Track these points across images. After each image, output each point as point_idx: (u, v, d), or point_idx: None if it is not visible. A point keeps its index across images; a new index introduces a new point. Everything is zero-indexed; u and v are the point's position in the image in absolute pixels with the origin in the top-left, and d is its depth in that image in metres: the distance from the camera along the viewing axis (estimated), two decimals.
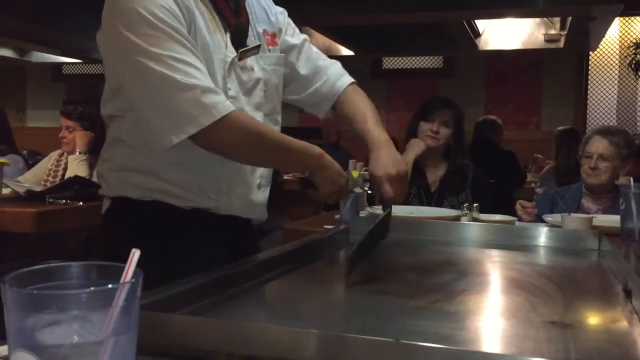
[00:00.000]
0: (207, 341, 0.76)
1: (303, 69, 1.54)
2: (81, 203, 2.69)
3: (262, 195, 1.45)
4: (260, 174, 1.44)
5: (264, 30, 1.43)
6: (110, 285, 0.50)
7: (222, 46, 1.30)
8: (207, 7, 1.30)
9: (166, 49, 1.16)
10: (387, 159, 1.42)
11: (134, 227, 1.33)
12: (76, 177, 2.90)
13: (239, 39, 1.34)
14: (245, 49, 1.34)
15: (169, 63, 1.16)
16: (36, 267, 0.52)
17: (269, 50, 1.43)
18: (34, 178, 3.32)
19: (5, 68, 8.59)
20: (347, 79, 1.60)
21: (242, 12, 1.37)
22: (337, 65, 1.61)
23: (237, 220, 1.41)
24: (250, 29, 1.39)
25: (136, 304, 0.51)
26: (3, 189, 2.65)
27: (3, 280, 0.49)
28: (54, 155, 3.43)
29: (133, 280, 0.51)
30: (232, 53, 1.31)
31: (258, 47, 1.38)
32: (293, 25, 1.55)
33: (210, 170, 1.32)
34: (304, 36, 1.57)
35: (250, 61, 1.36)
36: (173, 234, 1.33)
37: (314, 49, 1.58)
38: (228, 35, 1.32)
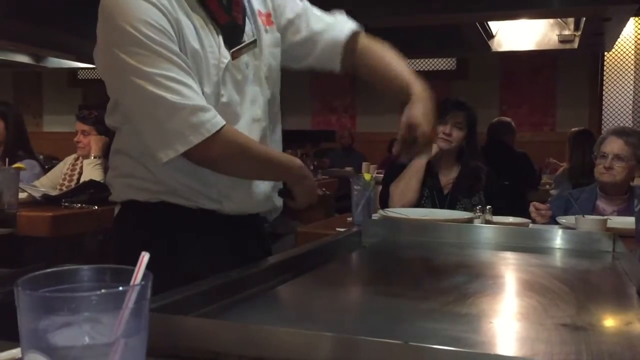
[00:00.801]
0: (219, 343, 0.76)
1: (306, 32, 1.49)
2: (96, 207, 2.71)
3: (263, 186, 1.42)
4: None
5: (259, 11, 1.40)
6: (120, 288, 0.51)
7: (215, 51, 1.28)
8: (199, 12, 1.28)
9: (157, 67, 1.18)
10: (429, 111, 1.45)
11: (143, 229, 1.35)
12: (91, 181, 2.93)
13: (232, 37, 1.32)
14: (239, 47, 1.32)
15: (160, 82, 1.18)
16: (48, 270, 0.53)
17: (266, 30, 1.41)
18: (49, 182, 3.36)
19: (22, 74, 8.71)
20: (351, 25, 1.53)
21: (234, 6, 1.34)
22: (340, 15, 1.55)
23: (244, 218, 1.42)
24: (247, 21, 1.36)
25: (146, 305, 0.52)
26: (19, 194, 2.68)
27: (16, 283, 0.50)
28: (70, 159, 3.46)
29: (143, 282, 0.52)
30: (225, 58, 1.29)
31: (254, 42, 1.35)
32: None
33: (210, 176, 1.32)
34: (302, 3, 1.52)
35: (247, 56, 1.34)
36: (181, 234, 1.34)
37: (315, 10, 1.52)
38: (220, 37, 1.30)
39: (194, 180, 1.32)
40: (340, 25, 1.52)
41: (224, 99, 1.30)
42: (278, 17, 1.46)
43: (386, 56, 1.54)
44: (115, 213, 1.44)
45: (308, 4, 1.53)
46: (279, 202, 1.49)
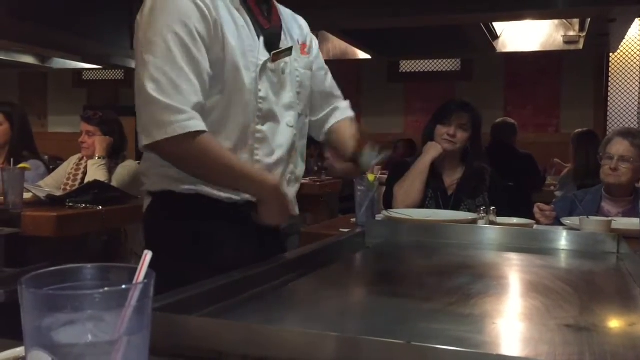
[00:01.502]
0: (222, 343, 0.76)
1: (323, 88, 1.63)
2: (100, 207, 2.72)
3: (291, 190, 1.50)
4: (291, 170, 1.50)
5: (297, 40, 1.52)
6: (123, 286, 0.51)
7: (255, 50, 1.37)
8: (242, 14, 1.38)
9: (163, 61, 1.25)
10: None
11: (175, 219, 1.39)
12: (95, 181, 2.94)
13: (272, 42, 1.42)
14: (278, 50, 1.42)
15: (153, 73, 1.26)
16: (52, 268, 0.53)
17: (299, 55, 1.51)
18: (54, 183, 3.37)
19: (27, 74, 8.74)
20: (350, 113, 1.70)
21: (274, 17, 1.45)
22: (346, 101, 1.71)
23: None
24: (283, 33, 1.47)
25: (149, 304, 0.52)
26: (24, 194, 2.69)
27: (20, 281, 0.50)
28: (74, 159, 3.47)
29: (146, 281, 0.52)
30: (264, 56, 1.38)
31: (290, 48, 1.45)
32: (318, 46, 1.64)
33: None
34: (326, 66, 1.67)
35: (283, 63, 1.43)
36: (214, 224, 1.38)
37: (331, 77, 1.68)
38: (261, 39, 1.40)
39: None
40: (345, 106, 1.70)
41: (261, 93, 1.38)
42: (310, 54, 1.57)
43: (347, 135, 1.64)
44: (145, 205, 1.46)
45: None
46: (296, 207, 1.54)
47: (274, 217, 1.42)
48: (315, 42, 1.62)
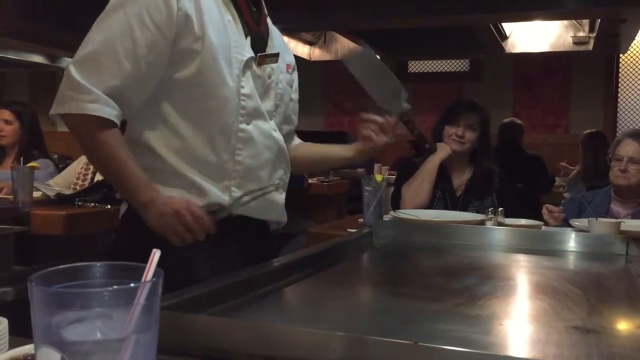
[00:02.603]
0: (230, 342, 0.77)
1: (290, 114, 1.58)
2: (109, 206, 2.73)
3: (279, 197, 1.46)
4: (280, 175, 1.46)
5: (283, 56, 1.49)
6: (132, 284, 0.51)
7: (240, 47, 1.35)
8: (231, 9, 1.36)
9: (99, 32, 1.25)
10: None
11: (149, 231, 1.29)
12: (104, 180, 2.95)
13: (259, 45, 1.39)
14: (264, 54, 1.39)
15: (84, 43, 1.25)
16: (61, 266, 0.53)
17: (282, 71, 1.49)
18: (63, 182, 3.38)
19: (37, 74, 8.78)
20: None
21: (263, 23, 1.44)
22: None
23: (253, 225, 1.43)
24: (270, 40, 1.44)
25: (157, 302, 0.52)
26: (34, 193, 2.71)
27: (29, 279, 0.50)
28: (84, 159, 3.49)
29: (154, 279, 0.52)
30: (248, 53, 1.36)
31: (277, 55, 1.43)
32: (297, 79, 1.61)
33: (223, 164, 1.33)
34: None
35: (269, 69, 1.41)
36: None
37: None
38: (248, 39, 1.38)
39: (205, 167, 1.31)
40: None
41: (245, 90, 1.34)
42: (292, 75, 1.55)
43: (310, 146, 1.68)
44: (121, 212, 1.41)
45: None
46: (285, 214, 1.50)
47: (164, 229, 1.26)
48: (295, 73, 1.58)
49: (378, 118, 1.53)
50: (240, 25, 1.37)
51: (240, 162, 1.35)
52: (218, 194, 1.33)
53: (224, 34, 1.32)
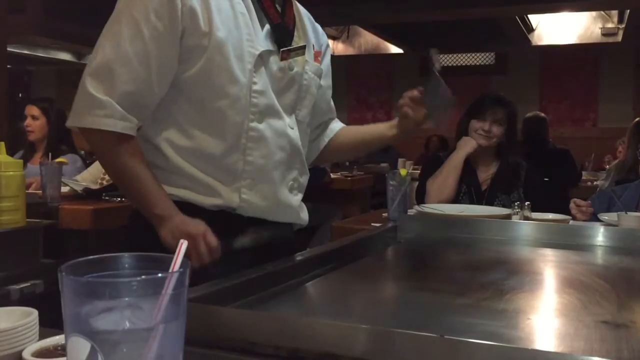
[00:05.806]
0: (255, 333, 0.77)
1: (324, 105, 1.56)
2: None
3: (293, 198, 1.40)
4: (294, 176, 1.39)
5: (313, 45, 1.45)
6: (160, 274, 0.52)
7: (254, 40, 1.28)
8: (248, 4, 1.30)
9: (110, 37, 1.22)
10: None
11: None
12: None
13: (281, 38, 1.33)
14: (288, 48, 1.33)
15: (95, 50, 1.23)
16: (90, 257, 0.54)
17: (309, 61, 1.43)
18: (90, 177, 3.43)
19: (64, 71, 8.91)
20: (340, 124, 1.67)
21: (288, 14, 1.37)
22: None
23: (263, 226, 1.35)
24: (296, 31, 1.39)
25: (184, 292, 0.53)
26: (62, 187, 2.75)
27: (60, 269, 0.51)
28: None
29: (181, 269, 0.53)
30: (263, 47, 1.29)
31: (303, 47, 1.37)
32: (329, 62, 1.57)
33: (232, 164, 1.28)
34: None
35: (293, 62, 1.35)
36: None
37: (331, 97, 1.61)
38: (265, 29, 1.31)
39: (215, 167, 1.27)
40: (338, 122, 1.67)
41: (257, 87, 1.28)
42: (322, 63, 1.49)
43: (352, 129, 1.66)
44: (131, 209, 1.37)
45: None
46: (304, 215, 1.44)
47: (169, 243, 1.21)
48: (327, 56, 1.53)
49: (412, 92, 1.50)
50: (255, 17, 1.30)
51: (251, 162, 1.29)
52: (228, 195, 1.29)
53: (235, 27, 1.25)
